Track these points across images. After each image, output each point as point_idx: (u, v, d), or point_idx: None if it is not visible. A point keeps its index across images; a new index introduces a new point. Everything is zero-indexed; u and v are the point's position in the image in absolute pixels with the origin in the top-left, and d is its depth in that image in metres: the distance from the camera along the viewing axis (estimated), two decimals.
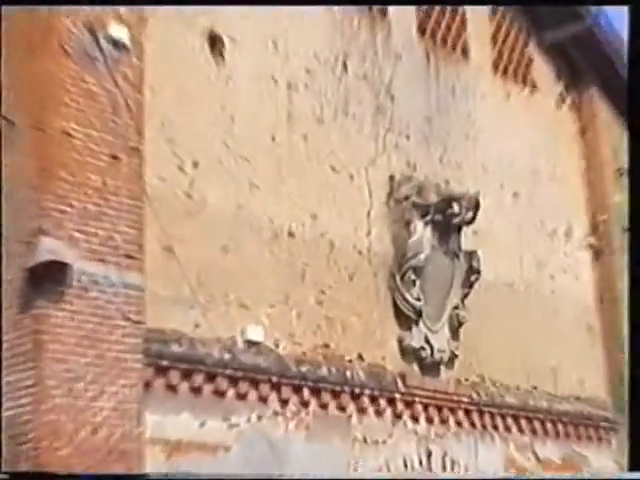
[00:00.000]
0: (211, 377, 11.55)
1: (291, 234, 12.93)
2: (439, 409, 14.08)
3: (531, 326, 16.09)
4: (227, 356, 11.73)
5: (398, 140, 14.76)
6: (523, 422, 15.41)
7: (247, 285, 12.25)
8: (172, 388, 11.20)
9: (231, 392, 11.74)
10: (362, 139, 14.26)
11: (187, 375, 11.34)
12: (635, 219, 8.25)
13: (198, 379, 11.43)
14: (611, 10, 17.71)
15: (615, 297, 17.70)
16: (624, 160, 18.39)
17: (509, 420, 15.19)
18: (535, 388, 15.87)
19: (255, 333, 12.10)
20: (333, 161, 13.71)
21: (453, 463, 14.11)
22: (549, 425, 15.87)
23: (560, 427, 16.06)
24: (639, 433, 7.19)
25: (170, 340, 11.24)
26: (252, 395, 11.93)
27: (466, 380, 14.62)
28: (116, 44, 10.88)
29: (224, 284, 12.01)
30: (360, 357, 13.26)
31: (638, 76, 7.86)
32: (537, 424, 15.66)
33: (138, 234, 10.90)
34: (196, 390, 11.42)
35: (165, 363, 11.11)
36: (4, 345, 10.01)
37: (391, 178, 14.41)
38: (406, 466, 13.43)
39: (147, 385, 10.82)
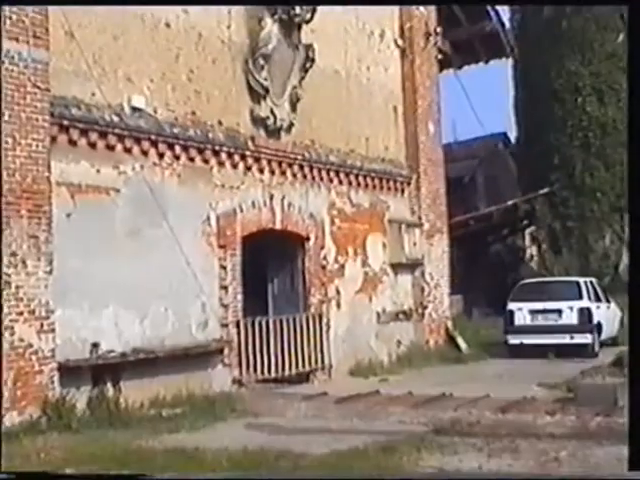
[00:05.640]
0: (103, 135, 11.34)
1: (168, 25, 12.46)
2: (279, 164, 14.17)
3: (351, 104, 16.17)
4: (116, 119, 11.50)
5: None
6: (342, 176, 15.68)
7: (133, 64, 11.89)
8: (73, 143, 10.98)
9: (119, 147, 11.57)
10: None
11: (84, 133, 11.10)
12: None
13: (93, 136, 11.21)
14: None
15: (414, 86, 17.86)
16: None
17: (332, 174, 15.42)
18: (352, 151, 16.08)
19: (138, 101, 11.85)
20: None
21: (290, 205, 14.33)
22: (361, 179, 16.21)
23: (369, 181, 16.43)
24: (639, 433, 6.25)
25: (71, 105, 10.95)
26: (136, 150, 11.79)
27: (300, 143, 14.66)
28: None
29: (114, 63, 11.64)
30: (220, 123, 13.14)
31: (638, 75, 7.02)
32: (352, 178, 15.96)
33: (44, 19, 10.37)
34: (92, 145, 11.21)
35: (67, 123, 10.85)
36: None
37: None
38: (254, 205, 13.60)
39: (53, 140, 10.58)
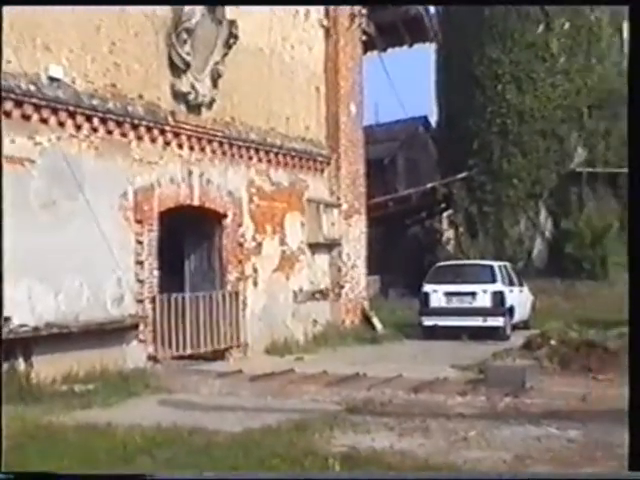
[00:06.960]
0: (19, 104, 11.08)
1: None
2: (199, 140, 14.05)
3: (273, 83, 16.12)
4: (33, 88, 11.24)
5: None
6: (262, 154, 15.62)
7: (52, 33, 11.61)
8: None
9: (35, 117, 11.32)
10: None
11: None
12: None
13: (8, 105, 10.93)
14: None
15: (337, 67, 17.90)
16: None
17: (252, 152, 15.35)
18: (273, 129, 16.03)
19: (56, 71, 11.59)
20: None
21: (208, 181, 14.25)
22: (281, 158, 16.18)
23: (289, 159, 16.42)
24: (639, 433, 6.16)
25: None
26: (52, 120, 11.55)
27: (221, 120, 14.55)
28: None
29: (33, 30, 11.33)
30: (140, 96, 12.95)
31: (638, 75, 6.80)
32: (272, 156, 15.91)
33: None
34: (7, 114, 10.92)
35: None
36: None
37: None
38: (172, 181, 13.47)
39: None
